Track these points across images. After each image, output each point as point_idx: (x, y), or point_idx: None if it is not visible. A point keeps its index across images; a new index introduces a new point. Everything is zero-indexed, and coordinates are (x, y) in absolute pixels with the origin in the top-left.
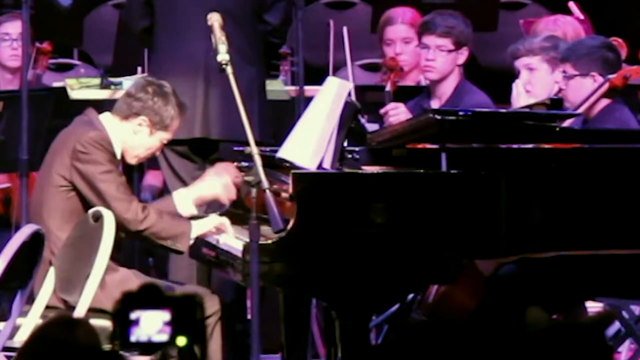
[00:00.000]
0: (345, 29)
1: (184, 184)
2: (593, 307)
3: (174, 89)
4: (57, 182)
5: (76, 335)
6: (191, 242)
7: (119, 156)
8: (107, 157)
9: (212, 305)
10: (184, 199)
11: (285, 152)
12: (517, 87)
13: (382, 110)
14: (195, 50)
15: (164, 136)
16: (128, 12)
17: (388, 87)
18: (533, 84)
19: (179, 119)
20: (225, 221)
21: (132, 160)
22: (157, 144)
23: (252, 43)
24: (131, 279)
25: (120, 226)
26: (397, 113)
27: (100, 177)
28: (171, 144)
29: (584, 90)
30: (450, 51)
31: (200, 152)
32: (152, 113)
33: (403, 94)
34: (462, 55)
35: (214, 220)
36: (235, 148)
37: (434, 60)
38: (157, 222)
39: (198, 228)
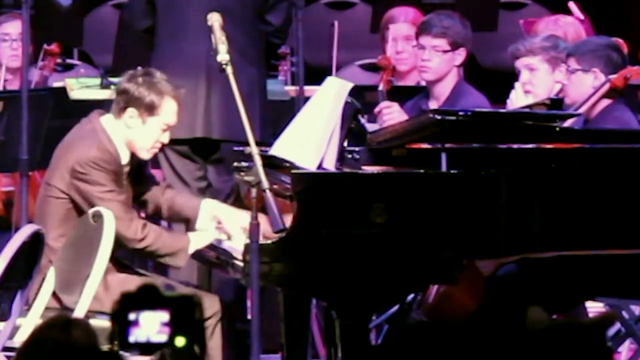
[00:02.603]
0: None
1: (185, 183)
2: (593, 307)
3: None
4: (56, 194)
5: (75, 336)
6: (189, 256)
7: (125, 160)
8: (107, 177)
9: (212, 305)
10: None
11: (279, 149)
12: (517, 90)
13: (375, 110)
14: (196, 50)
15: (159, 121)
16: (130, 12)
17: (381, 87)
18: (534, 84)
19: (168, 99)
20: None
21: (144, 154)
22: (157, 131)
23: (253, 43)
24: (131, 279)
25: (119, 241)
26: (391, 112)
27: (99, 196)
28: (172, 143)
29: (583, 86)
30: (446, 52)
31: (201, 152)
32: (137, 102)
33: (401, 94)
34: (459, 56)
35: (212, 234)
36: (235, 148)
37: (429, 60)
38: (156, 241)
39: (196, 243)
